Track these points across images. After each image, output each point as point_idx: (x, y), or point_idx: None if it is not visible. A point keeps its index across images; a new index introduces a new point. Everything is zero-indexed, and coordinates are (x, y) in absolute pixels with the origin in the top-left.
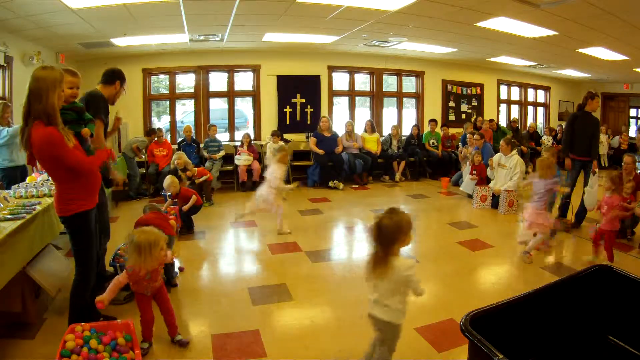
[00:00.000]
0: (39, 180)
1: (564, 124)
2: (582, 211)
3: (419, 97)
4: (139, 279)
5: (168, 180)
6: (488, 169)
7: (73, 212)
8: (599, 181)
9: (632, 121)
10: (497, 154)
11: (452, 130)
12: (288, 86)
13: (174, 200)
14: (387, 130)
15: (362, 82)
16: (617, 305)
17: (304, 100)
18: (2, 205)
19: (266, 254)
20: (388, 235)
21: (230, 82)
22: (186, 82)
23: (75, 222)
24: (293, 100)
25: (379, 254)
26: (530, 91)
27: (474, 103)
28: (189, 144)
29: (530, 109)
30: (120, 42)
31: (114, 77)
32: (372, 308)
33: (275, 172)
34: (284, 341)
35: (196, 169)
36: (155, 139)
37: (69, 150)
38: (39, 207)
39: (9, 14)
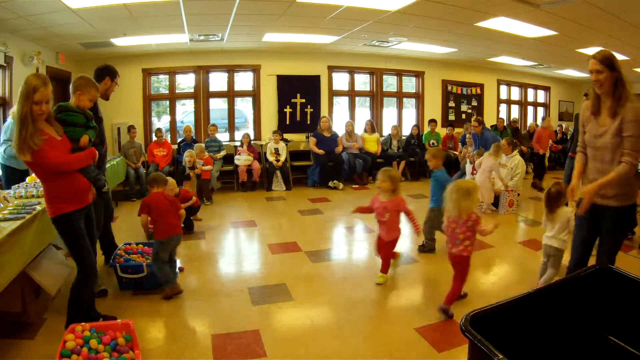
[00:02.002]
0: (39, 180)
1: (564, 125)
2: None
3: (419, 97)
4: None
5: (169, 185)
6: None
7: (57, 213)
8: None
9: None
10: None
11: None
12: (288, 86)
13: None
14: (387, 130)
15: (362, 82)
16: (617, 305)
17: (304, 100)
18: (2, 205)
19: (266, 254)
20: (555, 196)
21: (230, 82)
22: (186, 82)
23: (60, 224)
24: (293, 100)
25: (552, 207)
26: (530, 91)
27: (474, 103)
28: (189, 144)
29: (530, 109)
30: (120, 42)
31: (102, 74)
32: (549, 240)
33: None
34: (284, 341)
35: (204, 166)
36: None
37: (41, 154)
38: (39, 207)
39: (9, 14)
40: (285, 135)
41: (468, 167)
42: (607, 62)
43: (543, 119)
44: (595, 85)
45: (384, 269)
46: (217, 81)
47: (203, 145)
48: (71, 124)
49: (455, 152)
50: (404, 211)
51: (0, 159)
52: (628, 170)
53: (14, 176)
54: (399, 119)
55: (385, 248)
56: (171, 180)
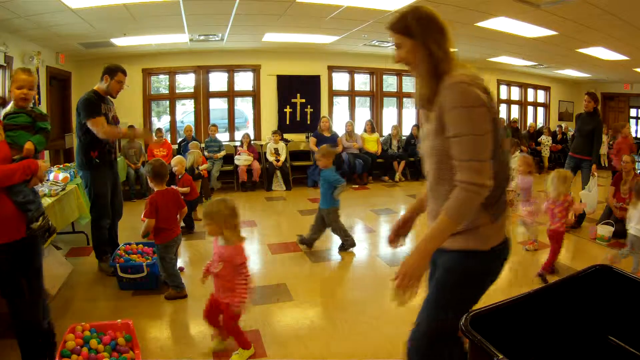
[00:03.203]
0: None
1: (564, 125)
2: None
3: None
4: None
5: (176, 159)
6: None
7: None
8: (598, 181)
9: (632, 121)
10: None
11: None
12: (288, 86)
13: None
14: (387, 130)
15: (362, 82)
16: (617, 305)
17: (304, 100)
18: None
19: (266, 253)
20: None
21: (230, 82)
22: (186, 82)
23: None
24: (293, 100)
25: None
26: (530, 91)
27: None
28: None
29: (530, 109)
30: (120, 42)
31: (104, 72)
32: (631, 229)
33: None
34: (284, 341)
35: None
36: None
37: None
38: None
39: (9, 14)
40: (285, 135)
41: None
42: (403, 28)
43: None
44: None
45: (222, 334)
46: (217, 81)
47: (197, 151)
48: (15, 127)
49: None
50: (237, 267)
51: None
52: (467, 199)
53: None
54: (399, 119)
55: (215, 313)
56: (180, 158)
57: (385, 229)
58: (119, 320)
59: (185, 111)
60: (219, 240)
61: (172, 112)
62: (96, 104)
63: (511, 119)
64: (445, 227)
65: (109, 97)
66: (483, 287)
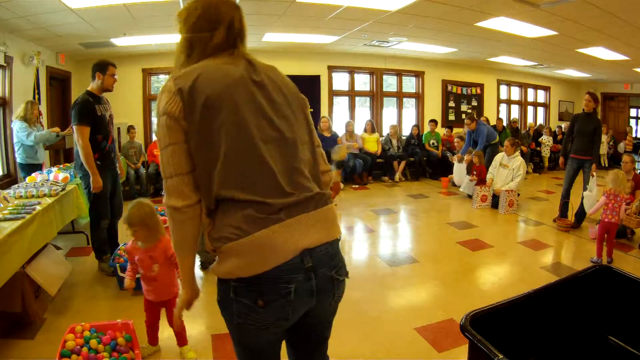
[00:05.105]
0: (38, 180)
1: (564, 125)
2: (582, 211)
3: (419, 97)
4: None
5: None
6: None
7: None
8: (598, 181)
9: (632, 121)
10: (500, 154)
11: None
12: None
13: None
14: (387, 130)
15: (362, 82)
16: (617, 305)
17: None
18: (2, 205)
19: None
20: None
21: None
22: None
23: None
24: None
25: None
26: (530, 91)
27: (474, 103)
28: None
29: (530, 108)
30: (120, 42)
31: (94, 71)
32: None
33: None
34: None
35: None
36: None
37: None
38: (38, 207)
39: (9, 14)
40: None
41: (457, 166)
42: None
43: None
44: None
45: (181, 339)
46: None
47: None
48: None
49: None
50: (171, 257)
51: (20, 160)
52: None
53: (34, 171)
54: (399, 119)
55: (155, 311)
56: None
57: (385, 228)
58: (119, 320)
59: None
60: (141, 243)
61: None
62: (89, 109)
63: (511, 119)
64: (177, 256)
65: (104, 95)
66: (242, 327)
